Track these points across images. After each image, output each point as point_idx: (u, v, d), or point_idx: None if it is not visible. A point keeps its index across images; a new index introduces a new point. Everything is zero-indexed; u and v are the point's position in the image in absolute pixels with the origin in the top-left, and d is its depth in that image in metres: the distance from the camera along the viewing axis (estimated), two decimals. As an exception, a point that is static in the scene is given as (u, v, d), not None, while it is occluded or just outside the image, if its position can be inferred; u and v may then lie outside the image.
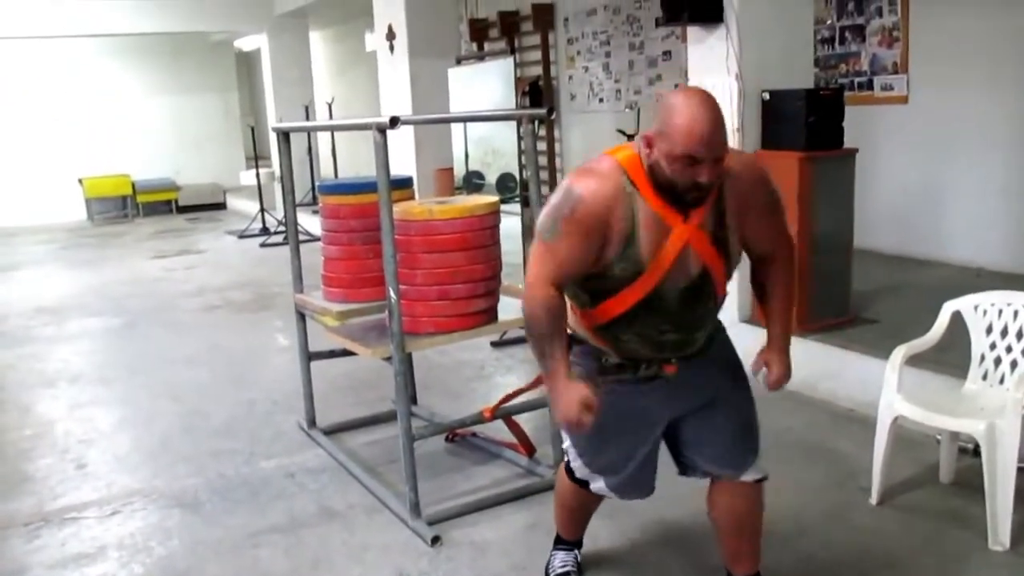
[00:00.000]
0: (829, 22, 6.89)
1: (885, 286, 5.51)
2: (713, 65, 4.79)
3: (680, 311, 2.26)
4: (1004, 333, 3.33)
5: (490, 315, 3.55)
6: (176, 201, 14.73)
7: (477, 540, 3.20)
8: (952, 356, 3.54)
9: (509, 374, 5.19)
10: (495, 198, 3.60)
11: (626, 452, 2.49)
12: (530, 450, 3.80)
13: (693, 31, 4.90)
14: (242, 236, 11.37)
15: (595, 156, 2.29)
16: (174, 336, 6.57)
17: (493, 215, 3.50)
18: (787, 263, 2.45)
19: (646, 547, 3.11)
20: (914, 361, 3.43)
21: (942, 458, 3.48)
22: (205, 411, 4.81)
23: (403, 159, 8.48)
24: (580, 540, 2.91)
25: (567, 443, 2.62)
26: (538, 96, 9.93)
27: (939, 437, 3.49)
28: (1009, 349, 3.30)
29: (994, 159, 5.93)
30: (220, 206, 14.90)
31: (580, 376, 2.31)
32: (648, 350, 2.32)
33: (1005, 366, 3.30)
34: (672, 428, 2.48)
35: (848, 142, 4.84)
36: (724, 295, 2.36)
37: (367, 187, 3.67)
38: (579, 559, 2.89)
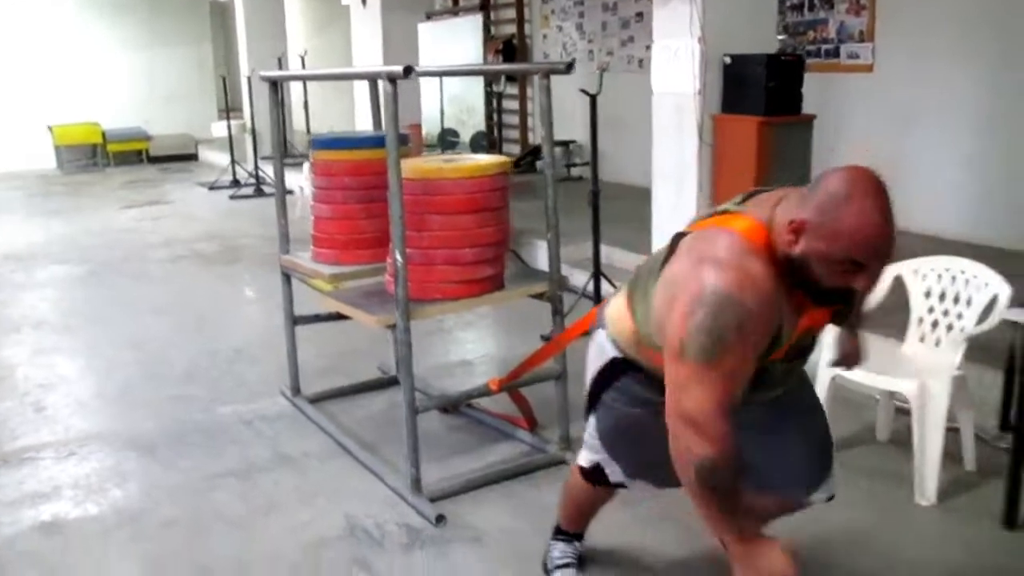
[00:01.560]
0: (799, -12, 6.94)
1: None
2: (677, 28, 4.83)
3: (781, 379, 2.07)
4: (942, 297, 3.43)
5: (497, 282, 3.37)
6: (147, 151, 14.58)
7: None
8: (894, 319, 3.64)
9: (469, 329, 5.27)
10: (505, 158, 3.39)
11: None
12: (532, 423, 3.67)
13: (659, -7, 4.94)
14: (212, 188, 11.31)
15: (704, 236, 1.88)
16: (140, 286, 6.58)
17: (504, 176, 3.29)
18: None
19: (647, 539, 2.95)
20: (855, 323, 3.53)
21: (879, 417, 3.61)
22: (167, 359, 4.85)
23: (364, 114, 8.46)
24: (582, 532, 2.72)
25: (598, 455, 2.36)
26: (512, 54, 9.93)
27: (878, 397, 3.61)
28: (946, 313, 3.41)
29: (957, 129, 6.03)
30: (192, 157, 14.76)
31: (621, 402, 2.14)
32: None
33: (941, 329, 3.41)
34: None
35: (813, 109, 4.92)
36: None
37: (365, 142, 3.53)
38: (579, 551, 2.72)
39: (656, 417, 1.93)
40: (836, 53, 6.72)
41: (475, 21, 8.29)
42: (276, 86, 3.90)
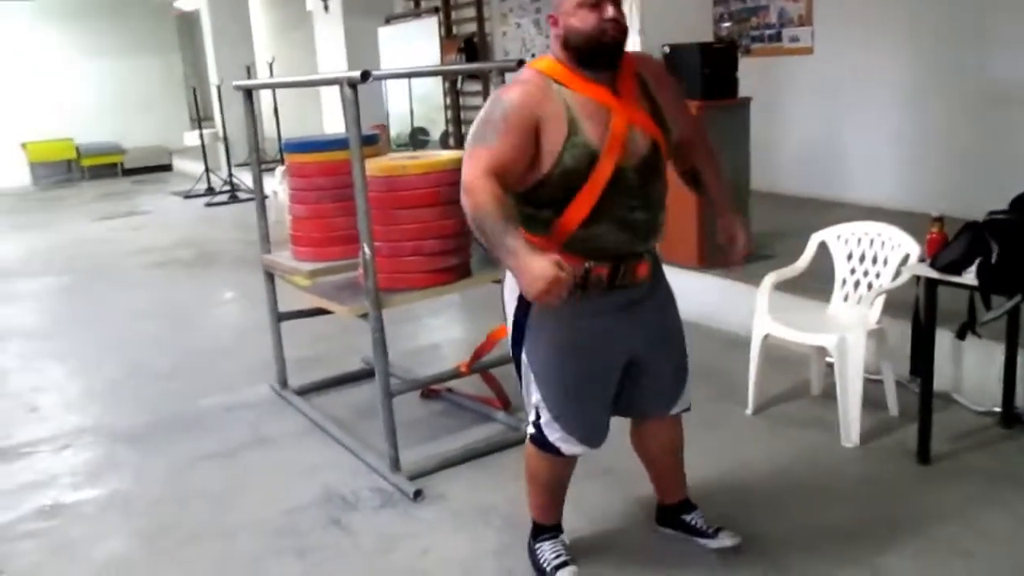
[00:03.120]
0: (741, -23, 7.25)
1: (786, 225, 5.89)
2: (618, 21, 5.11)
3: (641, 187, 2.36)
4: (862, 259, 3.75)
5: (463, 270, 3.58)
6: (122, 164, 14.79)
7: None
8: (821, 282, 3.95)
9: (437, 316, 5.54)
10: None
11: (600, 386, 2.51)
12: (505, 403, 3.91)
13: (600, -11, 5.21)
14: (188, 196, 11.54)
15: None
16: (120, 293, 6.83)
17: None
18: (706, 141, 2.65)
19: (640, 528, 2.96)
20: (786, 287, 3.84)
21: (812, 373, 3.91)
22: (150, 358, 5.11)
23: (332, 117, 8.71)
24: (560, 524, 2.77)
25: (537, 399, 2.51)
26: (473, 53, 10.19)
27: (809, 353, 3.91)
28: (866, 273, 3.72)
29: (889, 106, 6.36)
30: (166, 168, 15.00)
31: (539, 320, 2.41)
32: (624, 234, 2.36)
33: (863, 288, 3.72)
34: (623, 370, 2.54)
35: (756, 92, 5.19)
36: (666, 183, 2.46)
37: (335, 144, 3.75)
38: (567, 544, 2.75)
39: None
40: (779, 37, 7.04)
41: (432, 23, 8.55)
42: (250, 94, 4.11)
